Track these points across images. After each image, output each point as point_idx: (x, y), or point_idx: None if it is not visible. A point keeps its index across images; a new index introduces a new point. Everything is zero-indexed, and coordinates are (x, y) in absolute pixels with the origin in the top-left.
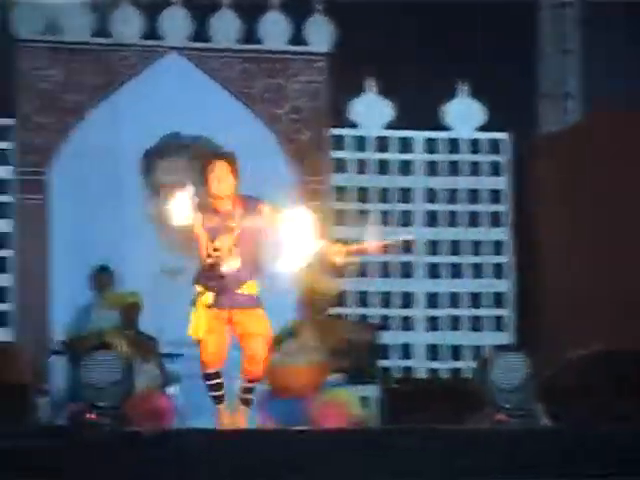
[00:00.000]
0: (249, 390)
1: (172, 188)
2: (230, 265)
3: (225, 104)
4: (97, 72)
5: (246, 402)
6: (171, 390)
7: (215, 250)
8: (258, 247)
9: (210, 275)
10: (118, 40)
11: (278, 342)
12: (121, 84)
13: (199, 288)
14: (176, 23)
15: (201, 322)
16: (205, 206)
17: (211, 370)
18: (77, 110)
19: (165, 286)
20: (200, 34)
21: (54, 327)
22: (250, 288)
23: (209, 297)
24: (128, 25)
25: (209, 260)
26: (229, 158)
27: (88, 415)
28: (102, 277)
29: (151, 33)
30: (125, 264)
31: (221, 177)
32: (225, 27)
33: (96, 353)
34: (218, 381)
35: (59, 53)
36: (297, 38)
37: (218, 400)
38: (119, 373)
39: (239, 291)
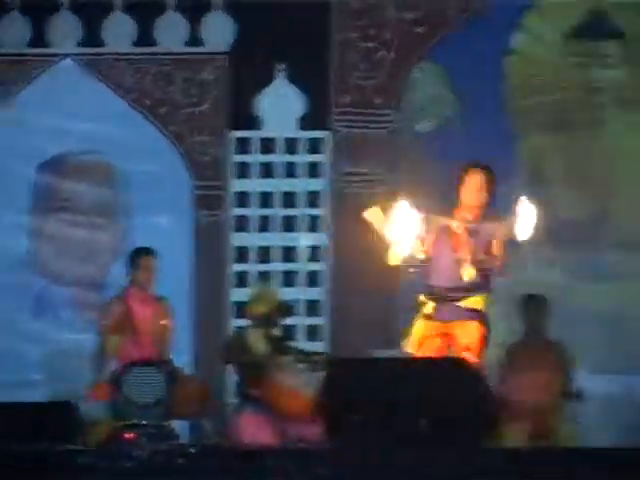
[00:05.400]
0: None
1: None
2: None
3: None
4: None
5: None
6: None
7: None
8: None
9: (434, 285)
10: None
11: None
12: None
13: (422, 298)
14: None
15: (417, 335)
16: (452, 215)
17: None
18: None
19: None
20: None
21: None
22: (476, 302)
23: (429, 307)
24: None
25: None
26: (488, 170)
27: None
28: None
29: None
30: None
31: (475, 188)
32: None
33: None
34: None
35: None
36: None
37: None
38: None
39: (462, 304)
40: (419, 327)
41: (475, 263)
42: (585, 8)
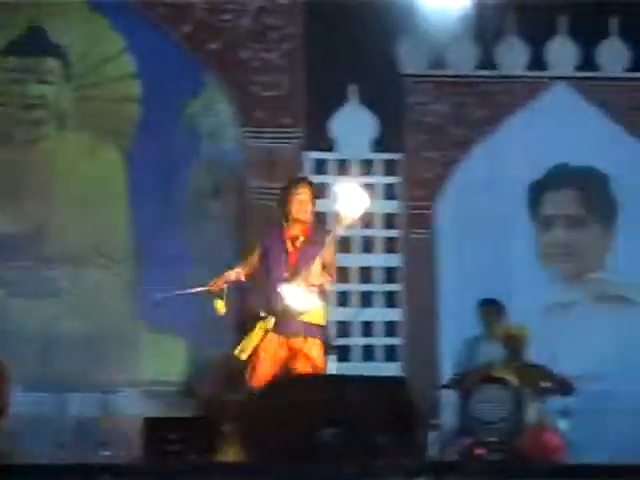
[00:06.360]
0: None
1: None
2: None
3: (612, 134)
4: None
5: None
6: (562, 425)
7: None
8: (322, 275)
9: (273, 302)
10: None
11: None
12: (507, 116)
13: (262, 313)
14: (562, 53)
15: (250, 344)
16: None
17: None
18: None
19: (555, 319)
20: (587, 63)
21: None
22: (317, 316)
23: (270, 322)
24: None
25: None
26: (312, 185)
27: (477, 450)
28: (490, 310)
29: (537, 64)
30: (513, 297)
31: (305, 203)
32: (613, 55)
33: (485, 387)
34: None
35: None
36: None
37: None
38: (508, 407)
39: (305, 318)
40: (259, 339)
41: (309, 279)
42: (23, 25)
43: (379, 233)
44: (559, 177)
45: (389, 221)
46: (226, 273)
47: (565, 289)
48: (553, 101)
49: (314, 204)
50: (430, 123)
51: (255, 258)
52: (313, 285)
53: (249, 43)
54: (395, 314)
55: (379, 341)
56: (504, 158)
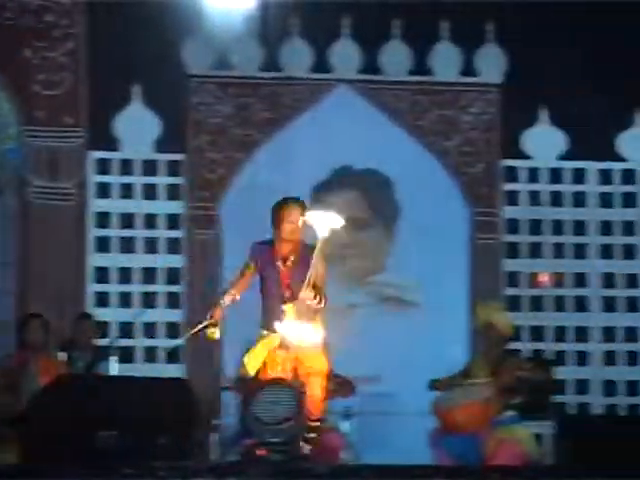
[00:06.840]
0: (313, 429)
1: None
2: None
3: (395, 136)
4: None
5: (311, 441)
6: (343, 426)
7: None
8: (315, 290)
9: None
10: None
11: (450, 379)
12: (291, 118)
13: (264, 332)
14: (346, 55)
15: (256, 361)
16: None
17: None
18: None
19: (337, 321)
20: (370, 66)
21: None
22: (314, 330)
23: (274, 340)
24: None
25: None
26: (303, 205)
27: (258, 451)
28: None
29: (320, 66)
30: None
31: (295, 222)
32: (395, 59)
33: (266, 388)
34: None
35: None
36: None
37: None
38: (290, 408)
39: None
40: (264, 356)
41: (302, 297)
42: None
43: (162, 234)
44: (342, 179)
45: (172, 222)
46: (221, 301)
47: (346, 291)
48: (336, 103)
49: (305, 224)
50: (214, 124)
51: (249, 276)
52: (307, 305)
53: (31, 41)
54: (177, 315)
55: (161, 342)
56: (288, 159)
